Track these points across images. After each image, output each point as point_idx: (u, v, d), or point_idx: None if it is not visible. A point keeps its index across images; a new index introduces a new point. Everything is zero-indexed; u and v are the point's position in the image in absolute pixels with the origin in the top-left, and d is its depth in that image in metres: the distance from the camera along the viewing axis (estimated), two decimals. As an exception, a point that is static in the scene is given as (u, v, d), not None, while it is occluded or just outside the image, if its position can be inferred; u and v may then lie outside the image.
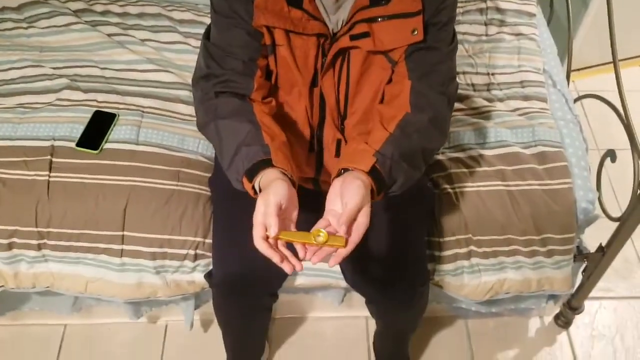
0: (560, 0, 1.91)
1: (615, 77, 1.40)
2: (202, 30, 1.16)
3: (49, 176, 1.37)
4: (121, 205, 1.35)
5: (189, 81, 1.27)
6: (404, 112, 1.09)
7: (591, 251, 1.52)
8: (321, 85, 1.13)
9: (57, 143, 1.42)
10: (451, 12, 1.09)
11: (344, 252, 0.93)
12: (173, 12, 1.76)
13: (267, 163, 1.00)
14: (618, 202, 1.95)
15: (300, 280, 1.45)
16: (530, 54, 1.68)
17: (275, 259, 0.92)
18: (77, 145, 1.42)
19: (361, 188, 0.95)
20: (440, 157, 1.45)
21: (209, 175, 1.41)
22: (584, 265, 1.57)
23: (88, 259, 1.38)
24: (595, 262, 1.52)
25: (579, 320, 1.78)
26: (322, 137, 1.20)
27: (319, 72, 1.11)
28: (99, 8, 1.75)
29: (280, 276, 1.30)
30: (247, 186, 1.02)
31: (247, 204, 1.03)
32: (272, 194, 0.93)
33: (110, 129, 1.46)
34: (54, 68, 1.58)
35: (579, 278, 1.61)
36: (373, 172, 0.99)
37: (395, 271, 1.25)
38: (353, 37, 1.06)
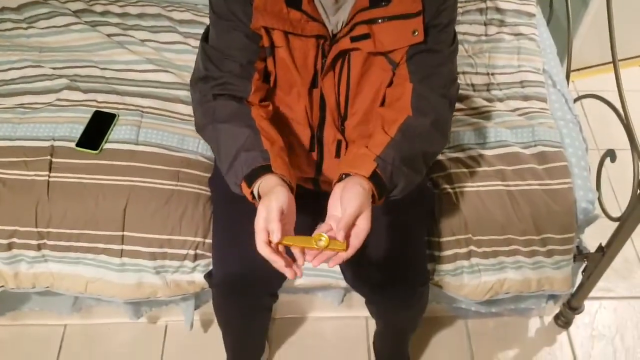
0: (560, 0, 1.91)
1: (615, 77, 1.40)
2: (201, 31, 1.16)
3: (49, 176, 1.37)
4: (121, 205, 1.35)
5: (189, 81, 1.27)
6: (406, 115, 1.09)
7: (591, 251, 1.52)
8: (321, 87, 1.13)
9: (57, 143, 1.42)
10: (452, 14, 1.09)
11: (344, 255, 0.94)
12: (173, 12, 1.76)
13: (266, 169, 1.01)
14: (618, 202, 1.95)
15: (300, 281, 1.45)
16: (530, 54, 1.68)
17: (279, 263, 0.94)
18: (77, 145, 1.42)
19: (360, 194, 0.95)
20: (440, 157, 1.45)
21: (208, 175, 1.41)
22: (583, 265, 1.57)
23: (88, 259, 1.38)
24: (595, 262, 1.52)
25: (579, 320, 1.78)
26: (323, 138, 1.20)
27: (318, 73, 1.11)
28: (98, 8, 1.75)
29: (280, 276, 1.28)
30: (246, 191, 1.02)
31: (247, 204, 1.04)
32: (275, 199, 0.94)
33: (110, 129, 1.46)
34: (53, 68, 1.58)
35: (579, 278, 1.61)
36: (374, 177, 1.00)
37: (395, 271, 1.25)
38: (354, 39, 1.06)
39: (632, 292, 1.86)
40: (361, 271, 1.27)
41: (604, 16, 1.49)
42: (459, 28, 1.73)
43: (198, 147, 1.47)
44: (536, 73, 1.64)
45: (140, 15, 1.74)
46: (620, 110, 1.38)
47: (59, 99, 1.52)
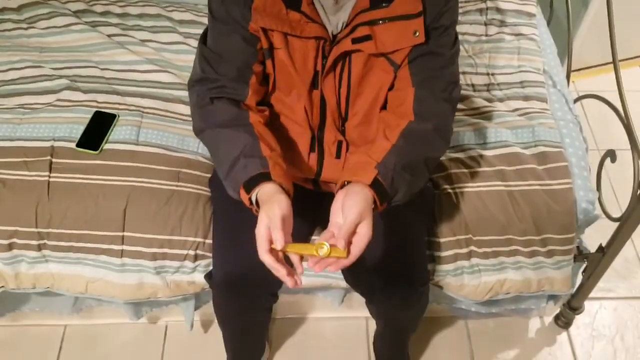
0: (560, 0, 1.91)
1: (615, 77, 1.40)
2: (201, 31, 1.16)
3: (49, 177, 1.37)
4: (121, 205, 1.35)
5: (187, 82, 1.28)
6: (408, 120, 1.09)
7: (591, 251, 1.52)
8: (322, 88, 1.13)
9: (57, 144, 1.42)
10: (453, 16, 1.09)
11: (345, 262, 0.95)
12: (173, 12, 1.76)
13: (265, 176, 1.01)
14: (618, 202, 1.95)
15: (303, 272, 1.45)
16: (530, 54, 1.68)
17: (281, 272, 0.95)
18: (77, 145, 1.42)
19: (361, 201, 0.96)
20: (440, 157, 1.45)
21: (209, 175, 1.41)
22: (584, 266, 1.57)
23: (88, 259, 1.38)
24: (595, 262, 1.52)
25: (579, 320, 1.78)
26: (323, 138, 1.20)
27: (319, 74, 1.11)
28: (99, 9, 1.75)
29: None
30: (244, 197, 1.03)
31: (247, 204, 1.04)
32: (277, 207, 0.95)
33: (111, 129, 1.46)
34: (54, 69, 1.58)
35: (579, 278, 1.61)
36: (375, 184, 1.00)
37: (396, 271, 1.25)
38: (355, 41, 1.06)
39: (632, 293, 1.86)
40: (361, 271, 1.27)
41: (604, 16, 1.49)
42: (459, 28, 1.72)
43: (198, 148, 1.47)
44: (536, 73, 1.64)
45: (141, 16, 1.74)
46: (621, 111, 1.38)
47: (59, 100, 1.52)
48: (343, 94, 1.14)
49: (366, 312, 1.55)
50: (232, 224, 1.26)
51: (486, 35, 1.75)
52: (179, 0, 1.81)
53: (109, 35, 1.67)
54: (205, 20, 1.14)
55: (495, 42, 1.72)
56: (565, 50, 1.83)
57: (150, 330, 1.73)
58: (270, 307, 1.47)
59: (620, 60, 1.42)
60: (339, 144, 1.20)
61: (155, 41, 1.68)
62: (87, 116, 1.47)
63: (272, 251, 0.95)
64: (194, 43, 1.67)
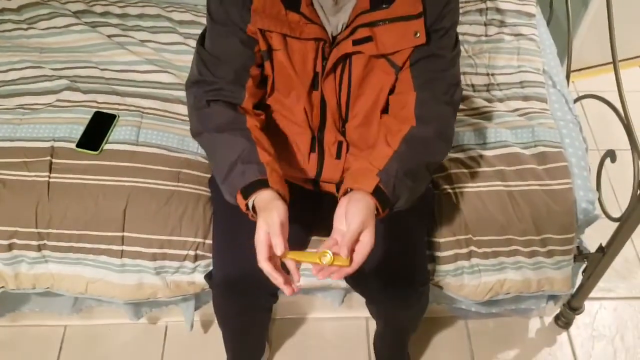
0: (560, 0, 1.91)
1: (615, 77, 1.40)
2: (201, 31, 1.16)
3: (49, 177, 1.37)
4: (121, 206, 1.35)
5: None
6: (409, 125, 1.10)
7: (591, 251, 1.52)
8: (322, 89, 1.13)
9: (57, 144, 1.42)
10: (453, 18, 1.09)
11: (348, 270, 0.97)
12: (173, 13, 1.76)
13: (263, 183, 1.02)
14: (618, 202, 1.95)
15: (300, 281, 1.44)
16: (530, 55, 1.68)
17: (279, 280, 0.96)
18: (77, 146, 1.42)
19: (364, 209, 0.97)
20: (440, 157, 1.45)
21: (209, 175, 1.41)
22: (584, 266, 1.57)
23: (88, 259, 1.38)
24: (595, 263, 1.52)
25: (579, 320, 1.78)
26: (323, 139, 1.20)
27: (318, 75, 1.11)
28: (98, 9, 1.75)
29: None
30: (241, 203, 1.03)
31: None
32: (276, 214, 0.96)
33: (110, 129, 1.46)
34: (53, 69, 1.58)
35: (579, 278, 1.61)
36: (377, 192, 1.01)
37: (396, 272, 1.25)
38: (356, 42, 1.06)
39: (632, 293, 1.86)
40: (361, 272, 1.27)
41: (603, 16, 1.49)
42: (459, 29, 1.73)
43: (198, 148, 1.47)
44: (536, 73, 1.64)
45: (140, 16, 1.74)
46: (621, 111, 1.38)
47: (59, 100, 1.52)
48: (343, 95, 1.14)
49: (366, 312, 1.55)
50: (232, 224, 1.26)
51: (486, 35, 1.75)
52: (178, 1, 1.81)
53: (108, 36, 1.67)
54: (205, 21, 1.14)
55: (495, 43, 1.72)
56: (565, 51, 1.83)
57: (150, 331, 1.73)
58: (270, 308, 1.47)
59: (620, 61, 1.42)
60: (339, 144, 1.21)
61: (155, 41, 1.68)
62: (87, 116, 1.47)
63: (271, 259, 0.96)
64: (194, 43, 1.64)
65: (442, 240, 1.39)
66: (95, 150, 1.42)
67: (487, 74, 1.65)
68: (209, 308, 1.45)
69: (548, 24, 1.93)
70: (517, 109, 1.56)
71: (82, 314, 1.68)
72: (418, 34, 1.05)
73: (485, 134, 1.49)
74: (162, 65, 1.62)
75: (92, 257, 1.38)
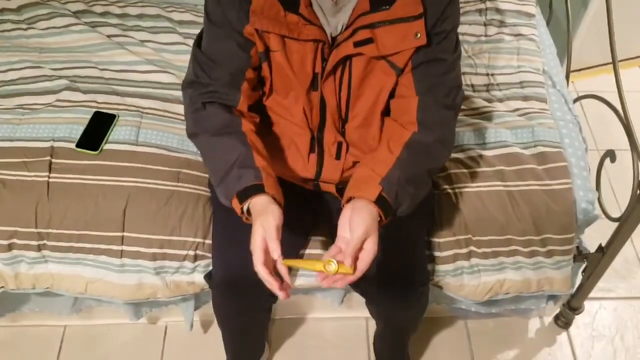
0: (560, 0, 1.91)
1: (615, 77, 1.40)
2: (201, 32, 1.17)
3: (49, 177, 1.37)
4: (121, 206, 1.35)
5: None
6: (412, 131, 1.11)
7: (591, 251, 1.52)
8: (322, 90, 1.13)
9: (56, 144, 1.42)
10: (455, 20, 1.10)
11: (352, 277, 0.99)
12: (172, 13, 1.76)
13: (258, 188, 1.03)
14: (618, 202, 1.95)
15: (299, 281, 1.45)
16: (530, 55, 1.68)
17: (274, 285, 0.98)
18: (77, 146, 1.42)
19: (367, 218, 0.99)
20: (439, 157, 1.45)
21: (208, 176, 1.41)
22: (583, 266, 1.57)
23: (88, 259, 1.38)
24: (595, 263, 1.52)
25: (579, 320, 1.78)
26: (323, 140, 1.20)
27: (318, 76, 1.11)
28: (98, 9, 1.75)
29: (279, 277, 1.30)
30: (236, 206, 1.05)
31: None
32: (272, 218, 0.98)
33: (110, 129, 1.46)
34: (53, 69, 1.58)
35: (579, 278, 1.61)
36: (379, 200, 1.03)
37: (396, 272, 1.25)
38: (357, 44, 1.06)
39: (632, 293, 1.86)
40: (362, 272, 1.27)
41: (603, 17, 1.49)
42: (458, 29, 1.73)
43: (198, 148, 1.47)
44: (536, 73, 1.64)
45: (140, 16, 1.74)
46: (620, 111, 1.38)
47: (58, 100, 1.52)
48: (343, 96, 1.14)
49: (366, 313, 1.55)
50: (231, 224, 1.26)
51: (486, 35, 1.76)
52: (178, 1, 1.81)
53: (108, 36, 1.67)
54: (205, 21, 1.14)
55: (494, 43, 1.72)
56: (564, 51, 1.83)
57: (150, 331, 1.73)
58: (270, 307, 1.47)
59: (620, 61, 1.42)
60: (339, 145, 1.21)
61: (154, 42, 1.68)
62: (87, 116, 1.47)
63: (267, 263, 0.98)
64: (194, 43, 1.67)
65: (441, 240, 1.39)
66: (95, 150, 1.42)
67: (487, 74, 1.65)
68: (208, 308, 1.45)
69: (548, 24, 1.93)
70: (516, 109, 1.56)
71: (82, 314, 1.68)
72: (419, 35, 1.05)
73: (485, 134, 1.49)
74: (161, 66, 1.62)
75: (92, 257, 1.38)
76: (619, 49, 1.43)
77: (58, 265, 1.40)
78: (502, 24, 1.77)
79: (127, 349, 1.70)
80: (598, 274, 1.55)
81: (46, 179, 1.37)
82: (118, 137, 1.45)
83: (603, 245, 1.49)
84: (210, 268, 1.33)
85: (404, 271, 1.27)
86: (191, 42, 1.66)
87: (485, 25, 1.78)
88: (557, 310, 1.77)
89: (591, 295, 1.65)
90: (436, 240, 1.39)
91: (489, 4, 1.81)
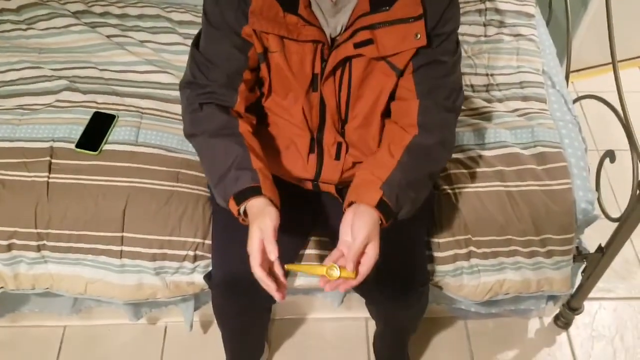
0: (559, 1, 1.91)
1: (615, 78, 1.40)
2: (200, 32, 1.17)
3: (49, 177, 1.37)
4: (121, 206, 1.35)
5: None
6: (412, 134, 1.11)
7: (590, 252, 1.52)
8: (321, 91, 1.13)
9: (56, 144, 1.42)
10: (455, 22, 1.10)
11: (354, 282, 1.01)
12: (172, 13, 1.76)
13: (255, 190, 1.04)
14: (617, 202, 1.95)
15: (299, 281, 1.45)
16: (529, 55, 1.68)
17: (271, 287, 0.99)
18: (77, 146, 1.42)
19: (369, 223, 1.00)
20: (439, 157, 1.45)
21: (205, 176, 1.41)
22: (583, 266, 1.57)
23: (88, 260, 1.38)
24: (594, 263, 1.52)
25: (578, 320, 1.78)
26: (322, 140, 1.20)
27: (317, 76, 1.11)
28: (98, 9, 1.75)
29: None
30: (233, 208, 1.05)
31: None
32: (269, 220, 0.99)
33: (110, 130, 1.46)
34: (53, 69, 1.58)
35: (579, 279, 1.61)
36: (380, 205, 1.03)
37: (396, 272, 1.25)
38: (357, 45, 1.06)
39: (632, 293, 1.86)
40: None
41: (603, 17, 1.49)
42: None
43: (197, 148, 1.47)
44: (535, 74, 1.64)
45: (140, 17, 1.74)
46: (620, 111, 1.38)
47: (58, 100, 1.52)
48: (343, 97, 1.14)
49: (366, 313, 1.55)
50: (231, 224, 1.25)
51: (485, 36, 1.76)
52: (178, 1, 1.81)
53: (108, 36, 1.67)
54: (204, 22, 1.14)
55: (494, 43, 1.72)
56: (564, 51, 1.83)
57: (150, 331, 1.73)
58: (270, 308, 1.47)
59: (619, 61, 1.42)
60: (339, 145, 1.21)
61: (154, 42, 1.68)
62: (87, 117, 1.47)
63: (263, 265, 0.99)
64: (193, 44, 1.67)
65: (441, 240, 1.39)
66: (95, 150, 1.42)
67: (487, 75, 1.65)
68: (208, 308, 1.45)
69: (547, 24, 1.93)
70: (516, 110, 1.56)
71: (82, 315, 1.68)
72: (419, 36, 1.05)
73: (485, 135, 1.49)
74: (161, 66, 1.62)
75: (92, 258, 1.38)
76: (618, 49, 1.43)
77: (58, 265, 1.40)
78: (501, 24, 1.77)
79: (127, 349, 1.70)
80: (598, 274, 1.55)
81: (46, 179, 1.37)
82: (118, 137, 1.45)
83: (603, 245, 1.49)
84: (210, 268, 1.33)
85: (404, 271, 1.27)
86: (191, 42, 1.68)
87: (484, 25, 1.78)
88: (557, 311, 1.77)
89: (591, 295, 1.65)
90: (436, 240, 1.39)
91: (488, 5, 1.81)
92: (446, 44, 1.09)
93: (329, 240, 1.36)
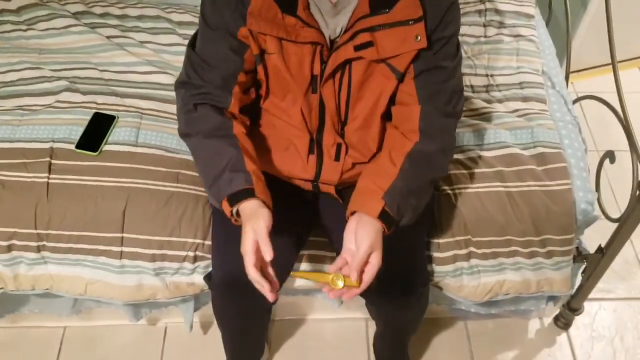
0: (559, 1, 1.91)
1: (614, 78, 1.40)
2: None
3: (48, 178, 1.37)
4: (120, 206, 1.35)
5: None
6: (414, 141, 1.12)
7: (590, 252, 1.52)
8: (321, 93, 1.13)
9: (56, 145, 1.42)
10: (456, 25, 1.10)
11: (357, 291, 1.03)
12: (172, 14, 1.76)
13: (249, 192, 1.05)
14: (617, 203, 1.95)
15: (299, 282, 1.45)
16: (529, 56, 1.68)
17: (265, 287, 1.01)
18: (77, 147, 1.42)
19: (372, 233, 1.03)
20: (439, 158, 1.45)
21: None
22: (583, 267, 1.57)
23: (87, 260, 1.38)
24: (594, 263, 1.52)
25: (578, 321, 1.78)
26: (322, 141, 1.20)
27: (316, 78, 1.11)
28: (98, 10, 1.75)
29: (279, 278, 1.30)
30: (226, 209, 1.07)
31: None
32: (262, 221, 1.00)
33: (110, 130, 1.46)
34: (53, 70, 1.58)
35: (579, 279, 1.60)
36: (383, 215, 1.05)
37: (396, 272, 1.25)
38: (357, 48, 1.06)
39: (632, 293, 1.86)
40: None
41: (602, 17, 1.49)
42: (458, 29, 1.74)
43: (197, 149, 1.47)
44: (535, 74, 1.64)
45: (140, 17, 1.74)
46: (620, 112, 1.38)
47: (58, 101, 1.52)
48: (343, 99, 1.14)
49: (366, 314, 1.55)
50: (231, 224, 1.26)
51: (485, 36, 1.76)
52: (177, 2, 1.81)
53: (108, 37, 1.67)
54: (203, 23, 1.14)
55: (494, 44, 1.72)
56: (564, 51, 1.83)
57: (150, 332, 1.73)
58: (270, 308, 1.47)
59: (619, 62, 1.42)
60: (338, 146, 1.21)
61: (154, 42, 1.68)
62: (86, 117, 1.47)
63: (257, 266, 1.00)
64: (193, 44, 1.67)
65: (441, 241, 1.39)
66: (95, 151, 1.42)
67: (486, 75, 1.65)
68: (208, 309, 1.45)
69: (547, 25, 1.93)
70: (516, 110, 1.56)
71: (82, 315, 1.68)
72: (419, 38, 1.05)
73: (485, 135, 1.49)
74: (161, 67, 1.62)
75: (92, 258, 1.38)
76: (618, 50, 1.43)
77: (57, 266, 1.39)
78: (501, 25, 1.77)
79: (127, 350, 1.69)
80: (598, 275, 1.55)
81: (46, 180, 1.37)
82: (117, 138, 1.45)
83: (603, 246, 1.49)
84: (210, 269, 1.33)
85: (404, 272, 1.27)
86: (189, 43, 1.68)
87: (484, 26, 1.78)
88: (557, 311, 1.77)
89: (591, 296, 1.65)
90: (436, 241, 1.39)
91: (488, 5, 1.81)
92: (447, 48, 1.09)
93: (329, 240, 1.36)
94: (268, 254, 0.98)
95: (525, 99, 1.59)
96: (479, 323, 1.77)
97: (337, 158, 1.21)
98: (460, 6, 1.79)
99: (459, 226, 1.38)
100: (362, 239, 1.02)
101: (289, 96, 1.15)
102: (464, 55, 1.70)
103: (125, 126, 1.47)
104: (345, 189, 1.27)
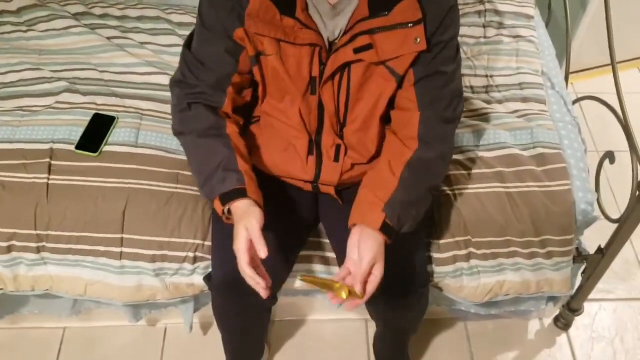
0: (558, 2, 1.91)
1: (614, 79, 1.40)
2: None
3: (48, 179, 1.37)
4: (120, 207, 1.35)
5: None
6: (413, 148, 1.13)
7: (590, 252, 1.52)
8: (320, 94, 1.13)
9: (56, 146, 1.42)
10: (455, 28, 1.10)
11: (360, 301, 1.06)
12: (172, 14, 1.76)
13: (241, 192, 1.07)
14: (617, 203, 1.95)
15: (299, 283, 1.45)
16: (529, 56, 1.69)
17: (260, 285, 1.02)
18: (76, 147, 1.42)
19: (374, 245, 1.05)
20: (439, 159, 1.45)
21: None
22: (583, 267, 1.57)
23: (87, 261, 1.38)
24: (594, 264, 1.52)
25: (578, 321, 1.78)
26: (321, 142, 1.20)
27: (315, 79, 1.11)
28: (97, 11, 1.75)
29: (279, 278, 1.30)
30: (218, 207, 1.09)
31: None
32: (254, 219, 1.02)
33: (110, 131, 1.46)
34: (53, 71, 1.58)
35: (579, 279, 1.61)
36: (384, 226, 1.07)
37: (396, 273, 1.24)
38: (356, 50, 1.06)
39: (632, 294, 1.86)
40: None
41: (602, 18, 1.50)
42: (457, 30, 1.74)
43: (197, 150, 1.47)
44: (535, 75, 1.64)
45: (139, 18, 1.75)
46: (619, 112, 1.39)
47: (58, 102, 1.52)
48: (342, 100, 1.14)
49: (365, 314, 1.55)
50: (230, 225, 1.26)
51: (484, 37, 1.76)
52: (177, 3, 1.81)
53: (108, 38, 1.67)
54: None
55: (493, 44, 1.73)
56: (563, 52, 1.83)
57: (149, 333, 1.73)
58: (270, 309, 1.47)
59: (619, 62, 1.43)
60: (337, 147, 1.21)
61: (154, 43, 1.69)
62: (86, 118, 1.47)
63: (250, 263, 1.02)
64: (193, 45, 1.67)
65: (441, 241, 1.39)
66: (95, 151, 1.42)
67: (486, 76, 1.65)
68: (207, 310, 1.45)
69: (547, 25, 1.93)
70: (515, 111, 1.56)
71: (81, 316, 1.68)
72: (418, 40, 1.05)
73: (484, 136, 1.49)
74: (161, 67, 1.62)
75: (91, 259, 1.38)
76: (617, 50, 1.43)
77: (57, 267, 1.39)
78: (501, 25, 1.77)
79: (127, 350, 1.69)
80: (597, 275, 1.55)
81: (45, 180, 1.37)
82: (117, 138, 1.45)
83: (602, 246, 1.49)
84: (210, 269, 1.33)
85: (404, 273, 1.27)
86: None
87: (484, 26, 1.78)
88: (557, 312, 1.77)
89: (591, 296, 1.65)
90: (435, 241, 1.39)
91: (487, 6, 1.81)
92: (446, 52, 1.10)
93: (328, 241, 1.36)
94: (262, 252, 0.99)
95: (524, 99, 1.59)
96: (479, 324, 1.77)
97: (336, 159, 1.22)
98: (460, 7, 1.79)
99: (458, 227, 1.38)
100: (364, 251, 1.04)
101: (287, 97, 1.15)
102: (463, 56, 1.70)
103: (125, 127, 1.47)
104: (345, 189, 1.27)
